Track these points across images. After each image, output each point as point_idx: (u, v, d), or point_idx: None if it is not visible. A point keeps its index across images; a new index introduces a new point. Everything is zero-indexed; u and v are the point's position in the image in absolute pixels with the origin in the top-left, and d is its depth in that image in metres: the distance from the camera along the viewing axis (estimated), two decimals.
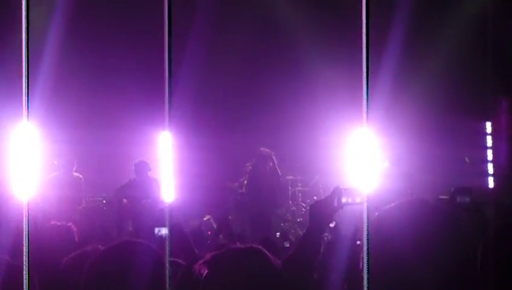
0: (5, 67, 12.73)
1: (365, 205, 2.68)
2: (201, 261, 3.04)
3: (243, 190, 14.41)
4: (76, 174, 13.78)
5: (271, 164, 14.23)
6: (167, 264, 3.01)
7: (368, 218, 2.64)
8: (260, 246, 3.09)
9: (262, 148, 14.30)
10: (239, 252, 3.06)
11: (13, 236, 5.61)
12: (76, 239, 5.55)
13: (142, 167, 13.26)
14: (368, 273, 2.53)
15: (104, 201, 14.84)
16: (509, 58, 15.17)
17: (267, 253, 3.02)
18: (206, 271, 2.94)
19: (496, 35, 15.00)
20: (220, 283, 2.91)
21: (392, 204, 2.78)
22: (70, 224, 5.72)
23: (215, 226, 14.18)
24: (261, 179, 14.00)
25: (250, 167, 14.22)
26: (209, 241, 12.56)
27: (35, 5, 13.15)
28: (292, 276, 3.27)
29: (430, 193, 15.01)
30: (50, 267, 4.98)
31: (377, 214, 2.84)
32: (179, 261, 4.83)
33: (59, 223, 5.73)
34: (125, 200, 13.22)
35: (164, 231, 5.36)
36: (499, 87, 16.03)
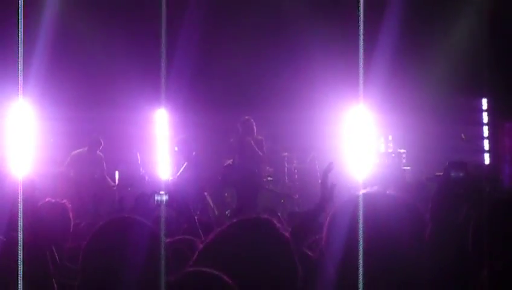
0: (1, 47, 12.71)
1: (360, 196, 2.69)
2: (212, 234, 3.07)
3: (231, 162, 14.35)
4: (99, 153, 13.94)
5: (254, 134, 14.20)
6: (162, 237, 3.03)
7: (362, 209, 2.65)
8: (267, 216, 3.12)
9: (246, 117, 14.23)
10: (247, 222, 3.09)
11: (9, 213, 5.63)
12: (70, 216, 5.57)
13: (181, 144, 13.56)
14: (362, 265, 2.55)
15: None
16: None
17: (275, 222, 3.05)
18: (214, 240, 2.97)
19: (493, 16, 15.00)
20: (227, 252, 2.93)
21: (352, 195, 2.80)
22: (64, 201, 5.72)
23: (211, 203, 14.20)
24: (248, 150, 13.99)
25: (238, 137, 14.17)
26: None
27: None
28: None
29: (425, 170, 15.07)
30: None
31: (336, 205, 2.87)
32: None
33: (53, 200, 5.74)
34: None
35: (164, 198, 5.39)
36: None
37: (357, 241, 2.60)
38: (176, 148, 13.97)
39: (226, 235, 2.97)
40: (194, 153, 14.18)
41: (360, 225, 2.59)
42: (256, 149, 14.00)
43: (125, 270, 2.89)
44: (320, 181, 5.05)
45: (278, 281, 2.89)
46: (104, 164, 13.99)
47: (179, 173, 13.74)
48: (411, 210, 2.75)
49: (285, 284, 2.92)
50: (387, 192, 2.76)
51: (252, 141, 13.99)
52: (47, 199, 5.76)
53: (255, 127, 14.16)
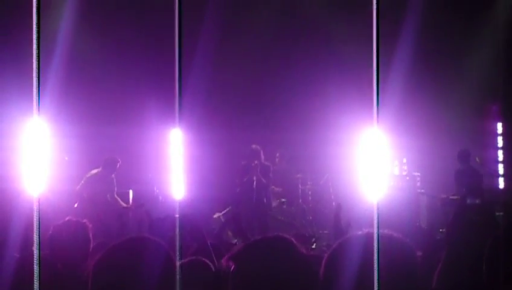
0: (17, 63, 12.77)
1: (375, 212, 2.69)
2: (227, 256, 3.06)
3: (238, 190, 14.41)
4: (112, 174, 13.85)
5: (262, 161, 14.24)
6: (177, 261, 3.02)
7: (378, 225, 2.65)
8: (286, 235, 3.11)
9: (253, 145, 14.31)
10: (267, 242, 3.08)
11: (24, 231, 5.64)
12: (90, 235, 5.58)
13: None
14: (378, 278, 2.54)
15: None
16: None
17: (294, 241, 3.04)
18: (233, 266, 2.96)
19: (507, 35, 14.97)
20: (249, 275, 2.92)
21: (359, 233, 2.81)
22: (85, 221, 5.74)
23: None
24: (254, 177, 14.03)
25: (249, 165, 14.24)
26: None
27: (47, 1, 13.18)
28: None
29: (441, 193, 15.00)
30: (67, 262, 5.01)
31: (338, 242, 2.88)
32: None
33: (74, 219, 5.76)
34: None
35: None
36: None
37: (353, 280, 2.62)
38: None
39: (247, 257, 2.96)
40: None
41: (375, 262, 2.60)
42: (261, 177, 14.03)
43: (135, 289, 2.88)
44: (333, 222, 5.07)
45: None
46: (115, 184, 13.88)
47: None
48: (404, 250, 2.76)
49: None
50: (385, 232, 2.76)
51: (257, 169, 14.02)
52: (67, 218, 5.77)
53: (262, 155, 14.20)
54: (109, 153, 14.04)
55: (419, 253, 2.78)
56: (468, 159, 14.48)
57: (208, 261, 4.87)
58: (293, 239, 3.03)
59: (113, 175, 13.79)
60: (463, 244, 4.17)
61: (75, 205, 13.31)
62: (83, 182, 13.69)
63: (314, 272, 2.96)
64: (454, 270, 4.04)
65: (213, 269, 4.81)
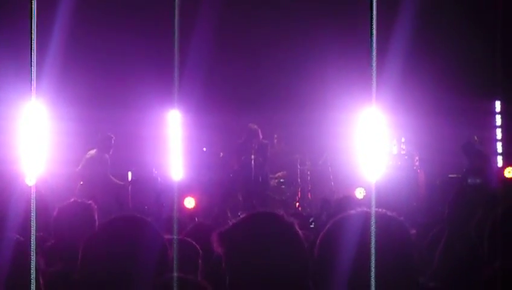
0: (14, 45, 12.73)
1: (373, 197, 2.70)
2: (215, 233, 3.04)
3: (237, 167, 14.43)
4: (106, 153, 13.78)
5: (260, 139, 14.24)
6: (175, 241, 3.04)
7: (375, 213, 2.65)
8: (275, 210, 3.10)
9: (250, 124, 14.31)
10: (254, 217, 3.07)
11: (23, 213, 5.65)
12: (95, 217, 5.59)
13: None
14: (375, 268, 2.55)
15: None
16: None
17: (284, 215, 3.03)
18: (222, 243, 2.96)
19: (505, 16, 14.94)
20: (236, 251, 2.92)
21: (353, 212, 2.81)
22: (90, 202, 5.75)
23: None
24: (251, 155, 14.04)
25: (241, 144, 14.26)
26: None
27: None
28: None
29: (438, 172, 15.02)
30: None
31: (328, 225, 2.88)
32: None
33: (79, 200, 5.78)
34: None
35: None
36: None
37: (348, 259, 2.62)
38: (205, 149, 14.08)
39: (238, 233, 2.96)
40: (221, 154, 14.28)
41: (374, 242, 2.60)
42: (258, 156, 14.04)
43: (123, 267, 2.90)
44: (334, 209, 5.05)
45: (290, 276, 2.89)
46: (109, 164, 13.80)
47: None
48: (398, 228, 2.76)
49: (297, 278, 2.91)
50: (379, 210, 2.76)
51: (255, 147, 14.04)
52: (72, 199, 5.80)
53: (260, 134, 14.21)
54: (104, 133, 13.98)
55: (413, 231, 2.79)
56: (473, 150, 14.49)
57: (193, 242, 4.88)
58: (283, 214, 3.02)
59: (107, 155, 13.71)
60: (464, 224, 4.18)
61: (81, 184, 13.35)
62: (82, 163, 13.70)
63: (306, 248, 2.96)
64: (455, 249, 4.05)
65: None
